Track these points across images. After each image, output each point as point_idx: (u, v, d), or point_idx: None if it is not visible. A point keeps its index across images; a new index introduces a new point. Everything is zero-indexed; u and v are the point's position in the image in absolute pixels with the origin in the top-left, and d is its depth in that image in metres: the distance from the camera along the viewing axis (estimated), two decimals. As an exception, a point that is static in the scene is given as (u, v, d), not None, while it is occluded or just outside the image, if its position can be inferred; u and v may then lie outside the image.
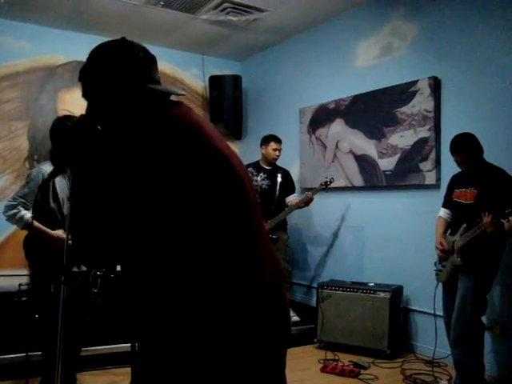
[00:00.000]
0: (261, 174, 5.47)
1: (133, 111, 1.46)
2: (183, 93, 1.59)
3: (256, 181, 5.46)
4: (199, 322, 1.29)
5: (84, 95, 1.54)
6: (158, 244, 1.30)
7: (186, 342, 1.30)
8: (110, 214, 1.28)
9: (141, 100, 1.47)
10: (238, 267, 1.35)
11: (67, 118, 3.39)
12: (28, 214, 3.23)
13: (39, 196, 3.25)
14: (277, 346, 1.43)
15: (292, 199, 5.45)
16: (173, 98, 1.57)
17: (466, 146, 3.58)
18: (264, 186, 5.43)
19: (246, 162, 5.79)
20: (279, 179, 5.40)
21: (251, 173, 5.50)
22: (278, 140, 5.47)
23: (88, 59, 1.52)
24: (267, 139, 5.48)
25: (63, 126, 3.27)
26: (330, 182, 5.21)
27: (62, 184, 3.34)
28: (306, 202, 5.18)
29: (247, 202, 1.44)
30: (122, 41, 1.54)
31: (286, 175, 5.53)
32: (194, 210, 1.30)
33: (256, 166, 5.57)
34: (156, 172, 1.28)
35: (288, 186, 5.51)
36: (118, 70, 1.47)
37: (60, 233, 3.26)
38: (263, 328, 1.37)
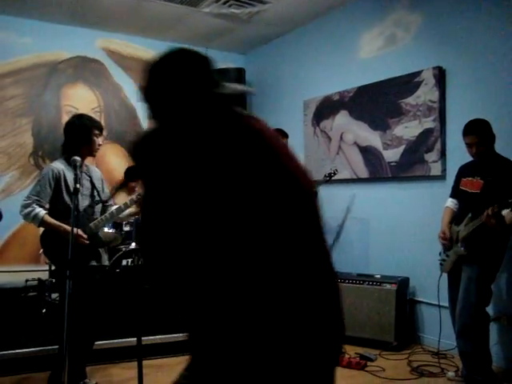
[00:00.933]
0: None
1: (207, 121, 1.39)
2: (253, 92, 1.56)
3: None
4: (269, 320, 1.27)
5: (153, 116, 1.47)
6: (229, 246, 1.28)
7: (252, 338, 1.27)
8: (181, 225, 1.27)
9: (212, 108, 1.42)
10: (311, 269, 1.35)
11: (84, 116, 3.51)
12: (42, 212, 3.26)
13: (53, 191, 3.29)
14: (334, 348, 1.42)
15: None
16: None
17: (481, 129, 3.55)
18: None
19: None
20: None
21: None
22: (285, 135, 5.44)
23: (150, 77, 1.47)
24: None
25: (82, 123, 3.37)
26: (334, 174, 5.19)
27: (72, 178, 3.36)
28: None
29: (312, 204, 1.45)
30: (180, 51, 1.49)
31: None
32: (265, 217, 1.29)
33: None
34: (237, 184, 1.28)
35: None
36: (186, 84, 1.41)
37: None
38: (327, 327, 1.37)
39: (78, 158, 3.14)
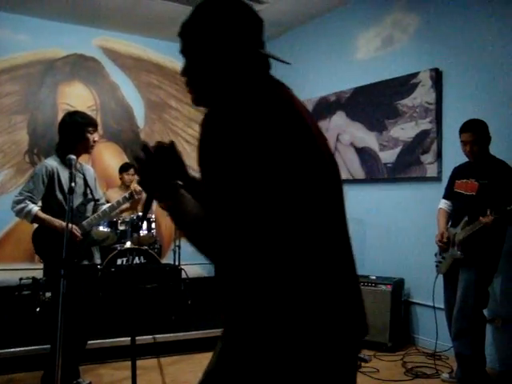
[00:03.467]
0: None
1: (244, 78, 1.32)
2: (289, 62, 1.48)
3: None
4: (288, 308, 1.23)
5: (184, 52, 1.38)
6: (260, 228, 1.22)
7: (275, 323, 1.24)
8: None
9: (252, 66, 1.35)
10: (334, 254, 1.31)
11: (77, 113, 3.45)
12: (35, 208, 3.25)
13: (46, 188, 3.28)
14: (355, 342, 1.39)
15: None
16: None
17: (478, 128, 3.56)
18: None
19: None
20: None
21: None
22: None
23: (195, 12, 1.35)
24: None
25: (74, 121, 3.33)
26: None
27: (67, 176, 3.35)
28: None
29: (341, 191, 1.45)
30: None
31: None
32: (300, 194, 1.24)
33: None
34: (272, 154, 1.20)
35: None
36: (231, 29, 1.31)
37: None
38: (349, 320, 1.33)
39: (73, 157, 3.11)
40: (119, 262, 4.84)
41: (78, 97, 6.19)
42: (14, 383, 3.66)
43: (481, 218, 3.40)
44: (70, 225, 3.13)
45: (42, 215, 3.26)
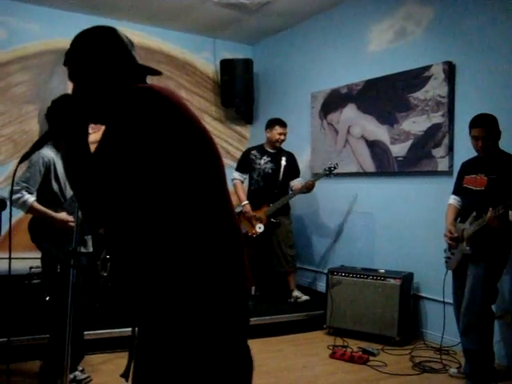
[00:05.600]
0: (264, 157, 5.45)
1: (122, 83, 1.55)
2: (160, 72, 1.71)
3: (259, 164, 5.45)
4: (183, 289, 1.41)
5: (71, 77, 1.60)
6: (143, 212, 1.42)
7: (176, 307, 1.42)
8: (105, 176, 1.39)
9: (127, 74, 1.58)
10: (218, 232, 1.47)
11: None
12: (31, 198, 3.27)
13: (42, 178, 3.29)
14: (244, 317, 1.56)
15: (296, 183, 5.44)
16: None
17: (489, 123, 3.52)
18: (267, 170, 5.42)
19: (256, 147, 5.77)
20: (284, 163, 5.39)
21: (254, 155, 5.49)
22: (283, 124, 5.43)
23: (74, 43, 1.61)
24: (272, 123, 5.46)
25: None
26: (334, 168, 5.19)
27: (61, 165, 3.36)
28: (308, 188, 5.18)
29: (223, 176, 1.57)
30: (105, 26, 1.63)
31: (291, 159, 5.50)
32: (178, 177, 1.41)
33: (260, 149, 5.56)
34: (145, 141, 1.37)
35: (292, 170, 5.48)
36: (108, 49, 1.57)
37: (63, 215, 3.29)
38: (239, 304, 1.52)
39: None
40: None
41: (88, 87, 6.18)
42: (24, 371, 3.68)
43: (484, 214, 3.37)
44: (69, 217, 3.25)
45: (38, 206, 3.28)
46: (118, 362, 3.92)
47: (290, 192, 5.40)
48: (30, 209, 3.27)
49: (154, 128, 1.38)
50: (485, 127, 3.51)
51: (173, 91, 1.55)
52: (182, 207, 1.41)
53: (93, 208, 1.41)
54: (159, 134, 1.38)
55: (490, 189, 3.48)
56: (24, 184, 3.27)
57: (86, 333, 3.60)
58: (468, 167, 3.74)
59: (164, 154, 1.38)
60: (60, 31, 5.93)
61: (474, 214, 3.52)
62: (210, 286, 1.42)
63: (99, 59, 1.55)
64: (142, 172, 1.37)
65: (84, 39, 1.60)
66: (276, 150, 5.48)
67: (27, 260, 4.81)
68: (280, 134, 5.40)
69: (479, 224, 3.44)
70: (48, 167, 3.31)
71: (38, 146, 1.58)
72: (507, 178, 3.41)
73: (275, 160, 5.43)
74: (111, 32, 1.61)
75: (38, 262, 4.85)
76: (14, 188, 3.26)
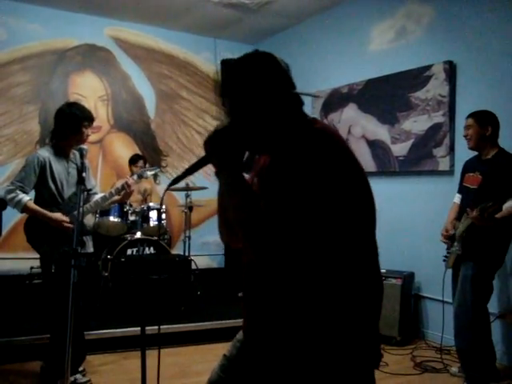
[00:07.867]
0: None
1: (285, 112, 1.50)
2: (320, 96, 1.67)
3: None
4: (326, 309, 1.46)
5: (231, 108, 1.51)
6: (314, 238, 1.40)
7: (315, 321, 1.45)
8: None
9: (289, 102, 1.52)
10: (368, 268, 1.62)
11: (75, 105, 3.45)
12: (26, 198, 3.27)
13: (38, 178, 3.29)
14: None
15: None
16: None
17: (482, 115, 3.53)
18: None
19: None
20: None
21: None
22: None
23: (233, 72, 1.50)
24: None
25: (72, 113, 3.33)
26: None
27: (60, 166, 3.36)
28: None
29: (375, 212, 1.62)
30: (264, 52, 1.53)
31: None
32: (349, 214, 1.46)
33: None
34: (325, 184, 1.36)
35: None
36: (272, 78, 1.48)
37: (58, 215, 3.28)
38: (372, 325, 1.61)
39: (85, 147, 3.12)
40: (129, 252, 4.85)
41: (89, 87, 6.19)
42: (25, 372, 3.68)
43: (471, 213, 3.36)
44: (64, 217, 3.25)
45: (33, 206, 3.29)
46: (119, 362, 3.93)
47: None
48: (24, 208, 3.26)
49: (334, 171, 1.38)
50: (474, 118, 3.53)
51: (337, 130, 1.56)
52: (345, 244, 1.49)
53: (259, 238, 1.38)
54: (337, 176, 1.38)
55: (482, 187, 3.47)
56: (18, 184, 3.27)
57: (86, 333, 3.60)
58: (469, 165, 3.74)
59: (339, 195, 1.40)
60: (61, 31, 5.96)
61: (466, 213, 3.51)
62: (357, 319, 1.53)
63: (264, 89, 1.46)
64: (319, 208, 1.37)
65: (244, 68, 1.49)
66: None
67: (28, 260, 4.82)
68: None
69: (467, 223, 3.43)
70: (43, 167, 3.30)
71: (191, 171, 1.52)
72: (501, 176, 3.38)
73: None
74: (271, 59, 1.51)
75: (38, 262, 4.89)
76: (9, 188, 3.28)
